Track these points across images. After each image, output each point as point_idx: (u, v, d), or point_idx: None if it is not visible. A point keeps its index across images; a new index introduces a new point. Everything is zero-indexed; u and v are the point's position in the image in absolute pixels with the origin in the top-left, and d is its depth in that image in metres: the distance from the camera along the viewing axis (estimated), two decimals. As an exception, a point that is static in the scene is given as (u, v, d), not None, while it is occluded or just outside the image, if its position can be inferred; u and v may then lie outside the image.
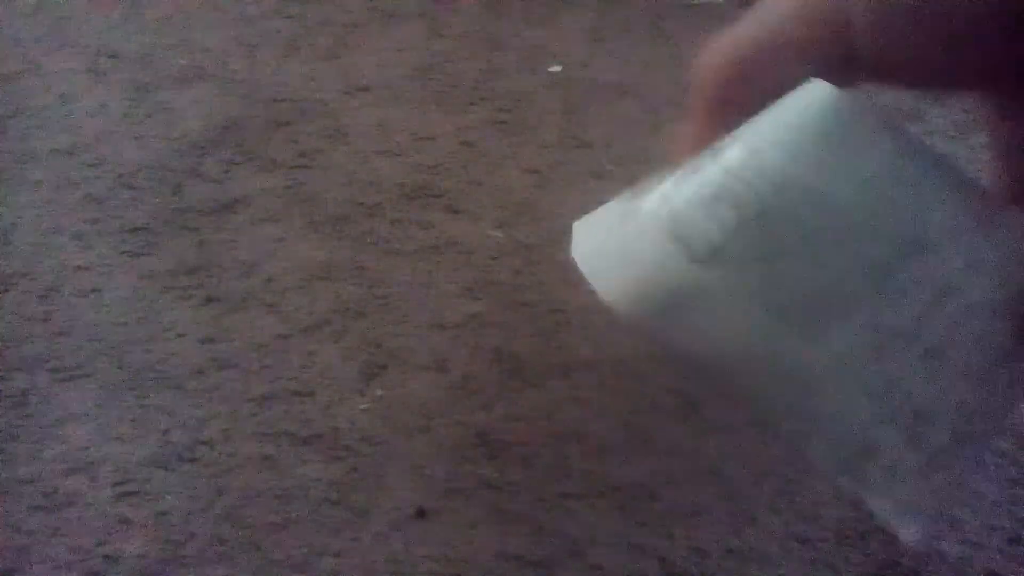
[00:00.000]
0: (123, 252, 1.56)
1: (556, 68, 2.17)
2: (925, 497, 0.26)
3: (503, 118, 1.96)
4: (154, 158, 1.80)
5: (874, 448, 0.26)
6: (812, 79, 0.25)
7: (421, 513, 1.13)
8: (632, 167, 1.72)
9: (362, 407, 1.28)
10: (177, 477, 1.17)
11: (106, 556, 1.08)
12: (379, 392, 1.30)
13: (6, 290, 1.47)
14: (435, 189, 1.73)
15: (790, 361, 0.25)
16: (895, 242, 0.25)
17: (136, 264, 1.53)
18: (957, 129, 1.94)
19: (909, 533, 0.26)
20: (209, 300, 1.46)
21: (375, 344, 1.38)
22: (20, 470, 1.18)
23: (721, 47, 0.27)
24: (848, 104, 0.25)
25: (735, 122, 0.26)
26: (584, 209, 0.29)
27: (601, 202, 0.30)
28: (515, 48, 2.26)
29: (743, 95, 0.26)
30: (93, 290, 1.47)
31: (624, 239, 0.27)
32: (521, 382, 1.33)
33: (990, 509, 1.17)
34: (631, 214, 0.27)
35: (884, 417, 0.26)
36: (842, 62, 0.26)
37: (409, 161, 1.81)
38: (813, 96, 0.25)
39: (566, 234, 0.28)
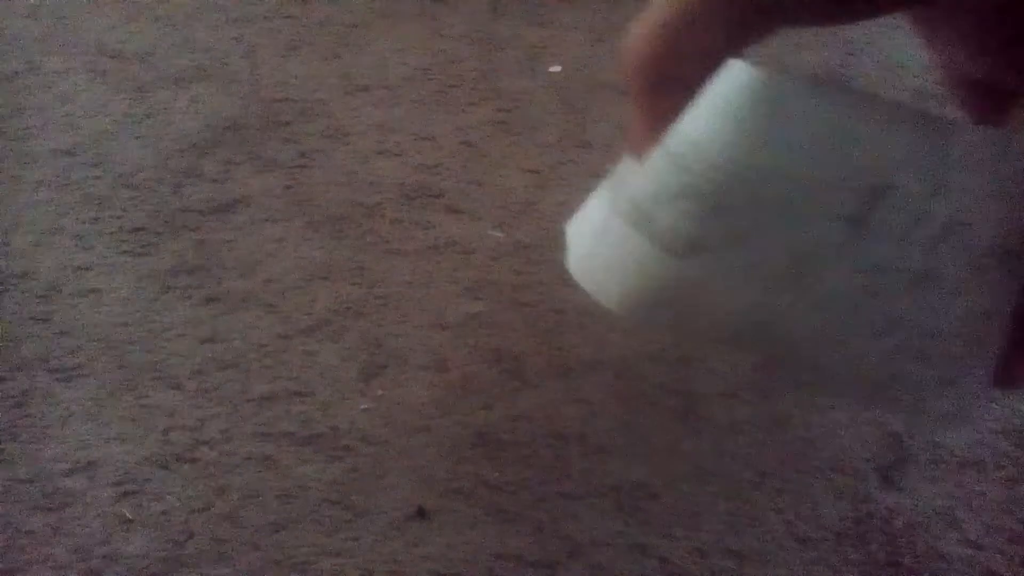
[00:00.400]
0: (123, 252, 1.56)
1: (556, 68, 2.17)
2: (957, 405, 0.28)
3: (503, 118, 1.96)
4: (154, 158, 1.80)
5: (895, 376, 0.28)
6: (730, 62, 0.26)
7: (421, 513, 1.13)
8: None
9: (362, 407, 1.28)
10: (177, 477, 1.17)
11: (106, 556, 1.08)
12: (379, 392, 1.30)
13: (6, 290, 1.47)
14: (435, 189, 1.73)
15: (789, 321, 0.27)
16: (855, 190, 0.26)
17: (136, 264, 1.53)
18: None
19: (955, 437, 0.28)
20: (209, 300, 1.46)
21: (375, 344, 1.38)
22: (20, 470, 1.18)
23: (641, 28, 0.27)
24: (767, 78, 0.26)
25: (678, 97, 0.27)
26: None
27: None
28: (515, 48, 2.26)
29: (676, 69, 0.27)
30: (93, 290, 1.47)
31: (610, 249, 0.29)
32: (521, 382, 1.33)
33: (990, 509, 1.17)
34: (610, 220, 0.29)
35: (895, 351, 0.27)
36: (761, 10, 0.26)
37: (409, 161, 1.81)
38: (733, 79, 0.26)
39: (564, 235, 0.30)
